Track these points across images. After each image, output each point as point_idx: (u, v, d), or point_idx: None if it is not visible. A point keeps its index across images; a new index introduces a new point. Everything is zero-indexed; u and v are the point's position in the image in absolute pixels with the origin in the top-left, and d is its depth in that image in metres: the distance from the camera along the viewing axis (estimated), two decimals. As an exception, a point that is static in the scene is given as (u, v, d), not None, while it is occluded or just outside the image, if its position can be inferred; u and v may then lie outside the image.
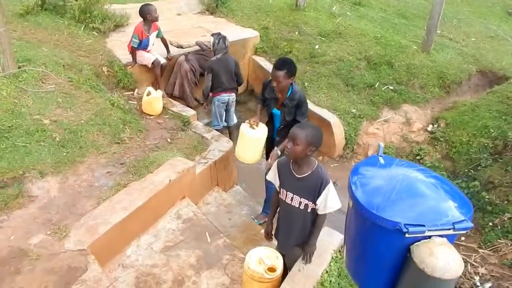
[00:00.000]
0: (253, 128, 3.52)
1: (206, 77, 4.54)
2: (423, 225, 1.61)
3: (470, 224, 1.64)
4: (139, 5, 4.66)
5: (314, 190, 2.43)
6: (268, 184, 3.78)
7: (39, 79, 3.81)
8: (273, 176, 2.62)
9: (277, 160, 2.65)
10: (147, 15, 4.48)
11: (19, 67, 3.75)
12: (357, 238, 1.98)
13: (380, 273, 1.85)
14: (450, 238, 1.65)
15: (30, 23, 4.78)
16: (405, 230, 1.60)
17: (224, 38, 4.52)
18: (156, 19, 4.54)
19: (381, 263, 1.81)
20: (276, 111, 3.51)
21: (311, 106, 5.37)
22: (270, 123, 3.69)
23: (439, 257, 1.56)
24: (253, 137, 3.53)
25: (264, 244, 3.45)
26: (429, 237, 1.63)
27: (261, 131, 3.56)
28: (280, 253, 2.76)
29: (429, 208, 1.69)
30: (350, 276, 2.19)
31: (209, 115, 5.54)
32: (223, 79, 4.54)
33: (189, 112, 4.54)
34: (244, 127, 3.54)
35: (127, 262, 2.92)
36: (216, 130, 4.57)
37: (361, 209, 1.77)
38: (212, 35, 4.64)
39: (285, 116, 3.39)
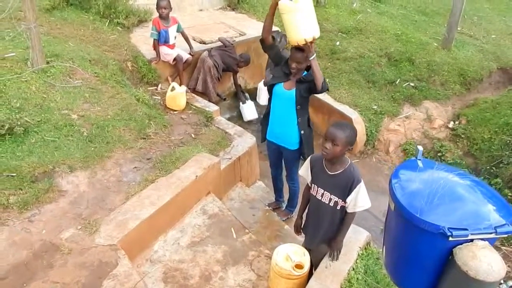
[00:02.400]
0: None
1: (266, 71, 4.90)
2: (466, 229, 1.61)
3: (511, 228, 1.63)
4: (162, 0, 4.55)
5: (345, 188, 2.36)
6: (275, 175, 3.74)
7: (67, 74, 3.72)
8: (305, 171, 2.57)
9: (310, 156, 2.58)
10: (156, 9, 4.45)
11: (47, 62, 3.68)
12: (398, 240, 1.95)
13: (422, 274, 1.83)
14: (491, 241, 1.65)
15: (56, 18, 4.70)
16: (449, 233, 1.60)
17: (285, 35, 4.80)
18: (160, 14, 4.40)
19: (423, 265, 1.80)
20: (282, 90, 3.12)
21: (332, 102, 5.24)
22: (265, 118, 3.36)
23: (482, 260, 1.56)
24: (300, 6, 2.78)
25: (288, 240, 3.36)
26: (471, 240, 1.62)
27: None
28: (307, 248, 2.69)
29: (470, 212, 1.68)
30: (390, 277, 2.12)
31: (230, 110, 5.45)
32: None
33: (212, 108, 4.42)
34: (284, 1, 2.81)
35: (154, 257, 2.84)
36: None
37: (404, 212, 1.74)
38: (273, 33, 4.72)
39: (301, 92, 3.04)
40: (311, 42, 2.83)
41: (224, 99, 5.32)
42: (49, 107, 3.35)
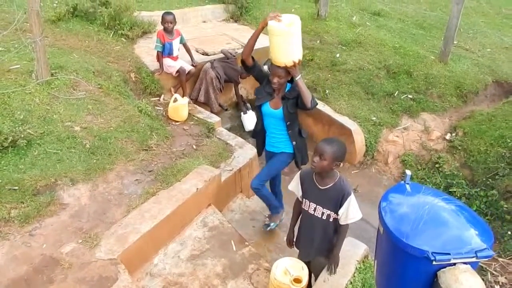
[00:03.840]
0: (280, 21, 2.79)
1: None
2: (449, 253, 1.68)
3: (491, 253, 1.71)
4: (166, 12, 4.53)
5: (336, 201, 2.38)
6: (257, 191, 3.34)
7: (71, 86, 3.68)
8: (295, 186, 2.58)
9: (300, 171, 2.59)
10: (161, 22, 4.43)
11: (52, 74, 3.64)
12: (386, 261, 2.01)
13: (407, 294, 1.90)
14: (473, 264, 1.71)
15: (61, 30, 4.67)
16: (432, 258, 1.67)
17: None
18: (166, 28, 4.37)
19: (409, 286, 1.88)
20: (269, 109, 3.09)
21: (331, 113, 5.19)
22: (259, 134, 3.31)
23: (464, 283, 1.62)
24: (287, 30, 2.75)
25: (288, 253, 3.30)
26: (454, 264, 1.68)
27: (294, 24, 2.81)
28: (302, 260, 2.65)
29: (453, 237, 1.76)
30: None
31: (232, 120, 5.40)
32: None
33: (214, 119, 4.37)
34: (273, 23, 2.78)
35: (154, 271, 2.77)
36: None
37: (391, 236, 1.81)
38: (265, 63, 4.96)
39: (288, 109, 3.01)
40: (298, 64, 2.87)
41: (226, 109, 5.28)
42: (52, 119, 3.31)
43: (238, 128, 5.32)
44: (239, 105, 5.48)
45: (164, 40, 4.39)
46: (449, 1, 6.99)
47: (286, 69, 2.87)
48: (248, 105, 5.49)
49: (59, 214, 2.69)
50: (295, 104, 3.00)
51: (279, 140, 3.21)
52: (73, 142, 3.20)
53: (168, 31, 4.40)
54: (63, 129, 3.26)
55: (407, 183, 2.05)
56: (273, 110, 3.08)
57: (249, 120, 5.37)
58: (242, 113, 5.40)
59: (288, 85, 3.05)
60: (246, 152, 4.02)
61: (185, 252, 2.96)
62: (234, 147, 4.05)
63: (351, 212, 2.36)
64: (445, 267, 1.69)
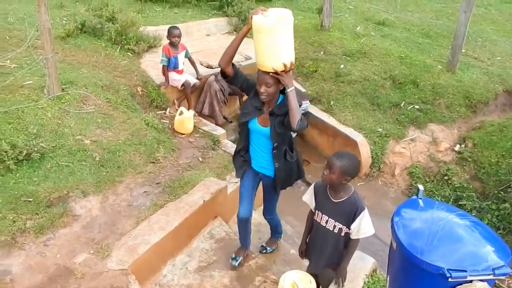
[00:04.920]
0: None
1: None
2: (465, 270, 1.72)
3: (509, 270, 1.74)
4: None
5: (349, 215, 2.47)
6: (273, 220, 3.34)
7: (80, 101, 3.95)
8: (309, 198, 2.69)
9: (314, 182, 2.69)
10: (168, 37, 4.69)
11: (63, 90, 3.90)
12: (400, 277, 2.09)
13: (423, 312, 1.92)
14: (490, 282, 1.76)
15: (70, 45, 4.97)
16: (448, 275, 1.71)
17: None
18: (173, 42, 4.64)
19: None
20: (257, 127, 2.67)
21: (336, 124, 5.39)
22: (240, 155, 2.89)
23: None
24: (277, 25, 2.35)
25: (295, 265, 3.46)
26: (471, 281, 1.72)
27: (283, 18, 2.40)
28: (312, 272, 2.78)
29: (469, 253, 1.80)
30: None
31: (236, 132, 5.62)
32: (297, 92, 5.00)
33: (219, 131, 4.60)
34: (258, 17, 2.38)
35: (163, 282, 2.96)
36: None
37: (404, 252, 1.88)
38: None
39: (275, 129, 2.56)
40: (290, 69, 2.43)
41: (231, 122, 5.51)
42: (63, 133, 3.55)
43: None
44: (244, 117, 5.71)
45: (170, 54, 4.66)
46: (456, 9, 7.22)
47: (276, 77, 2.43)
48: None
49: (72, 225, 2.91)
50: (282, 125, 2.55)
51: (267, 161, 2.82)
52: (83, 155, 3.44)
53: (174, 45, 4.67)
54: (74, 142, 3.50)
55: (420, 198, 2.12)
56: (262, 127, 2.65)
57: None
58: (247, 125, 5.62)
59: (281, 96, 2.60)
60: (251, 164, 4.21)
61: (193, 263, 3.14)
62: (239, 160, 4.26)
63: (363, 227, 2.43)
64: (461, 284, 1.73)
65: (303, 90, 5.61)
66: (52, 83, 3.77)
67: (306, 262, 3.33)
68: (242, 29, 2.54)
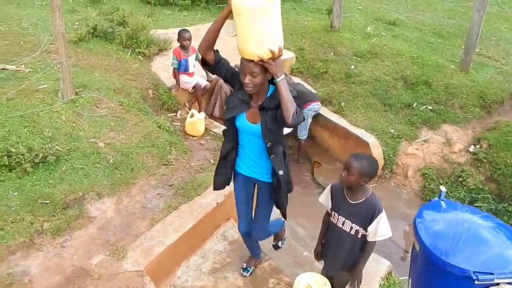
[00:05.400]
0: None
1: None
2: (492, 273, 1.74)
3: None
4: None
5: (366, 217, 2.48)
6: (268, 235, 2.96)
7: (94, 104, 4.03)
8: (325, 199, 2.69)
9: (331, 184, 2.70)
10: (178, 39, 4.78)
11: (76, 93, 4.00)
12: (423, 279, 2.11)
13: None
14: None
15: (82, 50, 5.08)
16: (474, 277, 1.73)
17: (285, 74, 5.49)
18: (184, 45, 4.72)
19: None
20: (246, 123, 2.35)
21: (347, 126, 5.40)
22: (226, 161, 2.55)
23: None
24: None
25: (307, 267, 3.49)
26: (498, 284, 1.74)
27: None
28: (327, 274, 2.80)
29: (495, 256, 1.82)
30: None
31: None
32: (307, 93, 5.23)
33: (231, 134, 4.65)
34: None
35: (177, 283, 3.01)
36: (303, 140, 5.31)
37: (429, 254, 1.92)
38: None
39: (267, 125, 2.26)
40: (278, 56, 2.11)
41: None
42: (78, 135, 3.64)
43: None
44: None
45: (180, 57, 4.74)
46: (468, 8, 7.19)
47: (262, 64, 2.11)
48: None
49: (87, 227, 2.98)
50: (275, 120, 2.24)
51: (260, 164, 2.50)
52: (97, 157, 3.51)
53: (184, 48, 4.75)
54: (88, 145, 3.58)
55: (442, 200, 2.14)
56: (251, 124, 2.33)
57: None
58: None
59: (272, 87, 2.31)
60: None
61: (207, 265, 3.19)
62: (251, 162, 4.30)
63: (380, 229, 2.43)
64: (487, 287, 1.74)
65: (313, 91, 5.64)
66: (66, 87, 3.87)
67: (319, 265, 3.36)
68: (222, 11, 2.18)
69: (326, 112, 5.54)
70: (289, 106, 2.12)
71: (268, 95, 2.30)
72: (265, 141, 2.32)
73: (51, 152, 3.32)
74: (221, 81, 5.19)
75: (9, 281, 2.51)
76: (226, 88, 5.13)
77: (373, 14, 7.60)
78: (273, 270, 3.27)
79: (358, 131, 5.24)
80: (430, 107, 5.60)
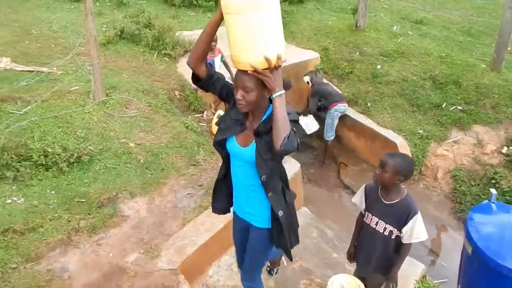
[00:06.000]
0: None
1: (311, 100, 5.38)
2: None
3: None
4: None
5: (401, 218, 2.46)
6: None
7: (123, 105, 4.14)
8: (359, 199, 2.71)
9: (365, 184, 2.70)
10: None
11: (107, 94, 4.10)
12: (476, 284, 2.10)
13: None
14: None
15: (111, 52, 5.21)
16: None
17: (318, 72, 5.70)
18: (211, 46, 4.76)
19: None
20: (235, 147, 1.99)
21: (375, 126, 5.36)
22: (222, 185, 2.22)
23: None
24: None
25: (338, 268, 3.48)
26: None
27: None
28: (359, 276, 2.79)
29: None
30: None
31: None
32: (334, 93, 5.34)
33: (257, 134, 4.68)
34: None
35: (210, 282, 3.06)
36: (330, 141, 5.39)
37: (482, 256, 1.90)
38: (307, 73, 5.59)
39: (261, 154, 1.88)
40: (275, 67, 1.76)
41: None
42: (109, 136, 3.74)
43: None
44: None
45: (207, 58, 4.79)
46: (499, 6, 7.05)
47: (257, 76, 1.77)
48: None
49: (122, 226, 3.05)
50: (270, 146, 1.82)
51: (253, 203, 2.09)
52: (128, 157, 3.60)
53: (210, 49, 4.81)
54: (119, 145, 3.68)
55: (493, 202, 2.10)
56: (242, 148, 1.97)
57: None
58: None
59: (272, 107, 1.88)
60: (290, 167, 4.26)
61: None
62: (278, 162, 4.32)
63: (416, 231, 2.42)
64: None
65: (339, 91, 5.63)
66: (98, 89, 3.98)
67: (349, 266, 3.35)
68: (213, 14, 1.86)
69: (352, 112, 5.52)
70: (281, 128, 1.74)
71: (264, 117, 1.92)
72: (259, 173, 1.92)
73: (85, 152, 3.42)
74: (246, 81, 5.22)
75: (49, 277, 2.60)
76: (252, 88, 5.16)
77: (399, 13, 7.53)
78: (304, 271, 3.28)
79: (385, 132, 5.20)
80: (460, 108, 5.51)
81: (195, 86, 4.88)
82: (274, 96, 1.78)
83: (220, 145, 2.05)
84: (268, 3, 1.71)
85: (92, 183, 3.27)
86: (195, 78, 2.06)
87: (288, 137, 1.74)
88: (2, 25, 5.55)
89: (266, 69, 1.75)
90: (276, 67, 1.77)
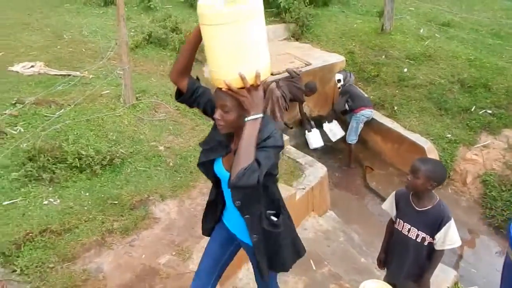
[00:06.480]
0: None
1: (340, 98, 5.37)
2: None
3: None
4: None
5: (434, 224, 2.41)
6: None
7: (153, 108, 4.20)
8: (389, 206, 2.66)
9: (396, 190, 2.66)
10: None
11: (137, 98, 4.18)
12: None
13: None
14: None
15: (138, 56, 5.30)
16: None
17: (351, 73, 5.67)
18: None
19: None
20: (222, 171, 1.84)
21: (401, 130, 5.28)
22: (212, 207, 2.10)
23: None
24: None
25: (365, 274, 3.43)
26: None
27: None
28: (390, 282, 2.74)
29: None
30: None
31: (296, 138, 5.68)
32: (362, 97, 5.35)
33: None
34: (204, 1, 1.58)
35: (239, 285, 3.06)
36: (353, 144, 5.38)
37: None
38: (340, 72, 5.61)
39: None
40: (252, 86, 1.58)
41: (291, 128, 5.59)
42: (139, 139, 3.80)
43: (302, 146, 5.58)
44: (303, 123, 5.78)
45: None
46: (529, 7, 6.86)
47: (232, 95, 1.61)
48: (312, 123, 5.78)
49: (153, 227, 3.09)
50: None
51: (242, 222, 1.91)
52: (158, 160, 3.65)
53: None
54: (149, 148, 3.73)
55: None
56: (226, 171, 1.81)
57: (314, 138, 5.64)
58: (306, 131, 5.69)
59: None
60: (316, 170, 4.25)
61: (266, 268, 3.21)
62: (304, 166, 4.30)
63: (449, 237, 2.38)
64: None
65: (363, 95, 5.57)
66: (128, 93, 4.05)
67: (377, 272, 3.30)
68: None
69: (378, 116, 5.46)
70: (241, 158, 1.56)
71: None
72: (232, 197, 1.80)
73: (117, 155, 3.48)
74: (272, 85, 5.22)
75: (85, 277, 2.65)
76: (277, 92, 5.16)
77: (426, 16, 7.40)
78: (333, 275, 3.25)
79: (413, 136, 5.13)
80: (489, 111, 5.39)
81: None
82: (246, 119, 1.60)
83: (205, 167, 1.91)
84: (246, 15, 1.52)
85: (124, 186, 3.32)
86: (177, 93, 1.86)
87: (245, 170, 1.54)
88: (35, 30, 5.72)
89: (243, 88, 1.58)
90: (255, 87, 1.60)
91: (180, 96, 1.85)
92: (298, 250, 2.10)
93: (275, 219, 1.88)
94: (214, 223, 2.17)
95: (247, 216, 1.85)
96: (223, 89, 1.61)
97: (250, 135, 1.59)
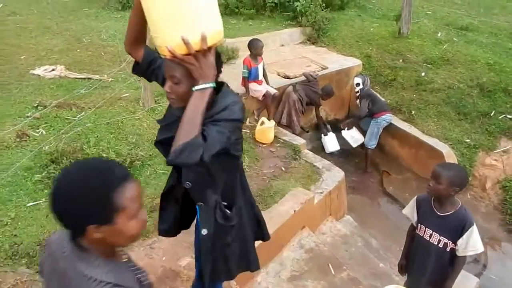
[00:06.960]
0: None
1: (362, 102, 5.23)
2: None
3: None
4: (247, 38, 5.07)
5: (456, 230, 2.39)
6: None
7: (171, 111, 4.22)
8: (410, 211, 2.63)
9: (417, 195, 2.64)
10: (252, 49, 4.83)
11: (155, 101, 4.21)
12: None
13: None
14: None
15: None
16: None
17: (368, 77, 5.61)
18: (258, 54, 4.81)
19: None
20: None
21: (419, 135, 5.21)
22: (169, 199, 1.95)
23: None
24: None
25: (385, 279, 3.40)
26: None
27: None
28: (410, 288, 2.71)
29: None
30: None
31: (312, 141, 5.65)
32: (382, 101, 5.30)
33: (299, 141, 4.67)
34: None
35: (258, 289, 3.05)
36: (371, 149, 5.32)
37: None
38: (358, 75, 5.49)
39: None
40: (200, 52, 1.43)
41: (307, 131, 5.57)
42: (158, 142, 3.82)
43: (319, 149, 5.56)
44: (319, 127, 5.76)
45: (251, 66, 4.84)
46: (549, 10, 6.74)
47: (178, 62, 1.45)
48: (328, 126, 5.75)
49: (173, 230, 3.10)
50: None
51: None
52: (177, 163, 3.66)
53: (254, 57, 4.85)
54: (168, 151, 3.75)
55: None
56: None
57: (330, 142, 5.61)
58: (322, 134, 5.66)
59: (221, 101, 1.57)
60: (334, 174, 4.23)
61: (285, 272, 3.20)
62: (321, 170, 4.28)
63: (472, 243, 2.35)
64: None
65: (382, 99, 5.52)
66: (147, 96, 4.09)
67: (396, 277, 3.26)
68: None
69: (396, 120, 5.41)
70: (184, 130, 1.41)
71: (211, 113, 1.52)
72: (182, 178, 1.62)
73: (137, 157, 3.51)
74: (288, 89, 5.23)
75: (107, 278, 2.67)
76: (294, 96, 5.16)
77: (443, 19, 7.32)
78: (352, 280, 3.22)
79: (431, 141, 5.06)
80: (509, 116, 5.30)
81: (240, 93, 5.00)
82: (194, 89, 1.45)
83: (163, 146, 1.65)
84: None
85: (144, 188, 3.34)
86: (134, 64, 1.73)
87: (186, 145, 1.38)
88: (55, 34, 5.83)
89: (188, 54, 1.41)
90: (203, 52, 1.43)
91: (136, 65, 1.71)
92: (248, 259, 1.92)
93: (228, 212, 1.71)
94: (173, 224, 1.98)
95: (200, 203, 1.68)
96: (167, 56, 1.44)
97: (195, 106, 1.43)
